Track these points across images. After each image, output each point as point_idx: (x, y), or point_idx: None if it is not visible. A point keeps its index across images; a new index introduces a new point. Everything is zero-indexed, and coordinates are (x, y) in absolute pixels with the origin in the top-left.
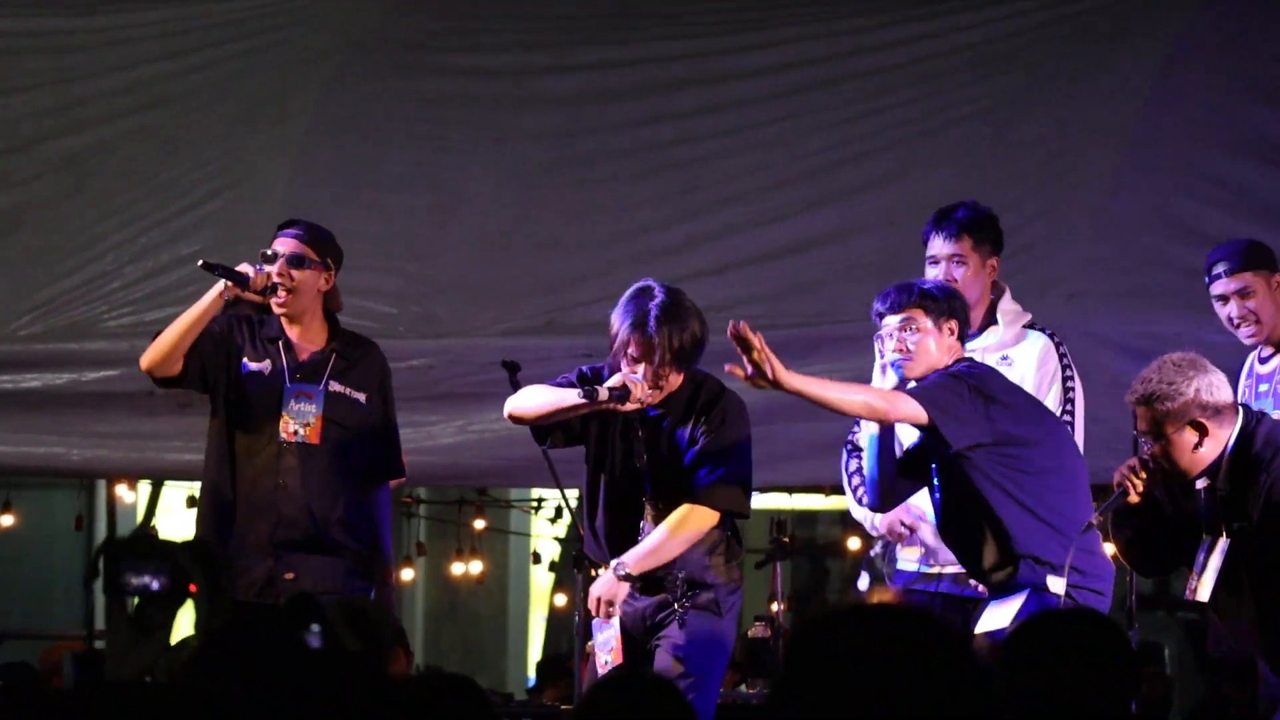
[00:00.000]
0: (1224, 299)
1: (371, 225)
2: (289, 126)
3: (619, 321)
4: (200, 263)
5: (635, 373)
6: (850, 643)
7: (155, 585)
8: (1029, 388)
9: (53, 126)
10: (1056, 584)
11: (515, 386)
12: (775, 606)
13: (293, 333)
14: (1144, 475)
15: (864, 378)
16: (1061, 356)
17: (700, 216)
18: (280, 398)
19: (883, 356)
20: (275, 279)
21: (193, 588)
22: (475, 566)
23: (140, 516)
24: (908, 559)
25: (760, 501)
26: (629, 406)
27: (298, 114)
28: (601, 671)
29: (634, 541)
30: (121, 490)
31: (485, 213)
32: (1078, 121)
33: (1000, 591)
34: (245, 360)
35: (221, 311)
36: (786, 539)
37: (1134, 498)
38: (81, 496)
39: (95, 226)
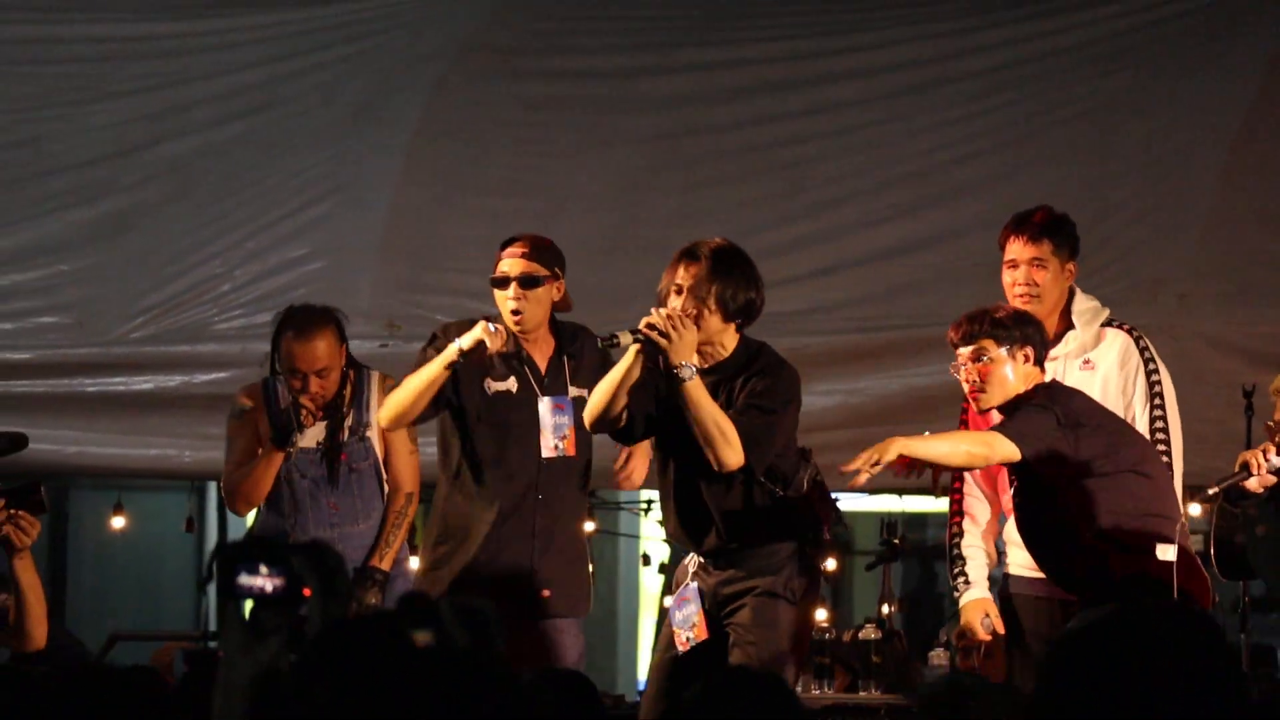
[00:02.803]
0: None
1: (477, 229)
2: (394, 131)
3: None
4: (453, 353)
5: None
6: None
7: (269, 588)
8: (1113, 389)
9: (160, 131)
10: (1166, 551)
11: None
12: (886, 609)
13: (528, 347)
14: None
15: None
16: (1142, 351)
17: (805, 218)
18: (534, 414)
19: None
20: (511, 305)
21: (307, 591)
22: None
23: (251, 519)
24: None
25: (871, 504)
26: (491, 349)
27: (403, 118)
28: (683, 649)
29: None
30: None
31: (590, 216)
32: (1184, 121)
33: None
34: (488, 380)
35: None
36: (897, 541)
37: (1257, 481)
38: (192, 498)
39: (203, 230)
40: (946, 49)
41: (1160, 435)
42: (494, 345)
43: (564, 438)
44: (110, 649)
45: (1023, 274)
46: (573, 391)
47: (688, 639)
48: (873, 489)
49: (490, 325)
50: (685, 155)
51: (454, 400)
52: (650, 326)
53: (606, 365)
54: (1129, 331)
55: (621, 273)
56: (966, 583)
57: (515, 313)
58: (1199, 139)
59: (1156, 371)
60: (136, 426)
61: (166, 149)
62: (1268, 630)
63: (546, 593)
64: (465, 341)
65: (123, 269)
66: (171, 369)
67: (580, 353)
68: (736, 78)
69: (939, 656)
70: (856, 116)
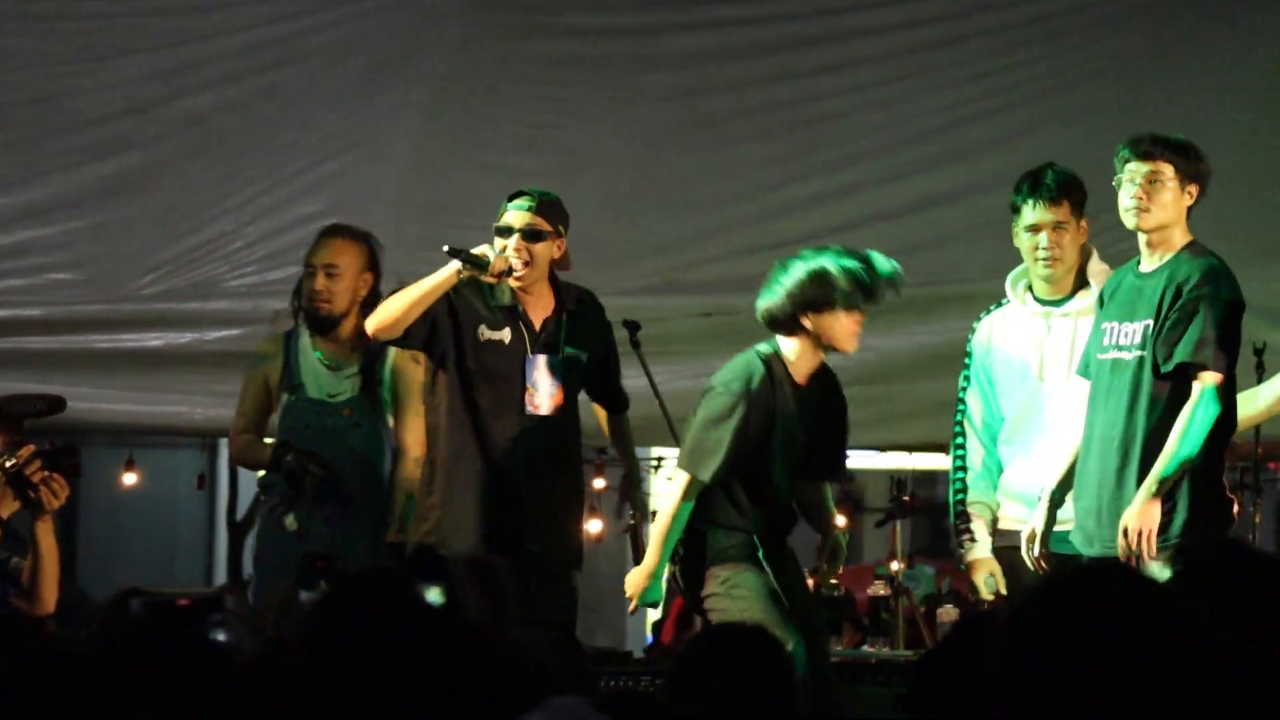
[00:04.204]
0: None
1: (496, 186)
2: (414, 87)
3: None
4: (445, 248)
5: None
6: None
7: None
8: None
9: (176, 87)
10: None
11: (635, 345)
12: (895, 565)
13: (525, 301)
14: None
15: None
16: None
17: (823, 175)
18: (522, 369)
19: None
20: (512, 257)
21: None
22: (594, 525)
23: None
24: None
25: (880, 461)
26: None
27: (423, 74)
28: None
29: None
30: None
31: (609, 173)
32: (1206, 78)
33: None
34: (483, 327)
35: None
36: (907, 498)
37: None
38: (204, 455)
39: (218, 186)
40: (966, 5)
41: None
42: (497, 266)
43: (550, 395)
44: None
45: (1045, 239)
46: (566, 352)
47: None
48: (882, 446)
49: (497, 250)
50: (704, 112)
51: (448, 343)
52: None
53: (605, 331)
54: None
55: (638, 230)
56: (972, 540)
57: (515, 266)
58: (1220, 96)
59: None
60: (148, 383)
61: (183, 105)
62: None
63: (535, 547)
64: (474, 251)
65: (137, 225)
66: (183, 326)
67: (579, 315)
68: (756, 34)
69: (948, 613)
70: (875, 73)
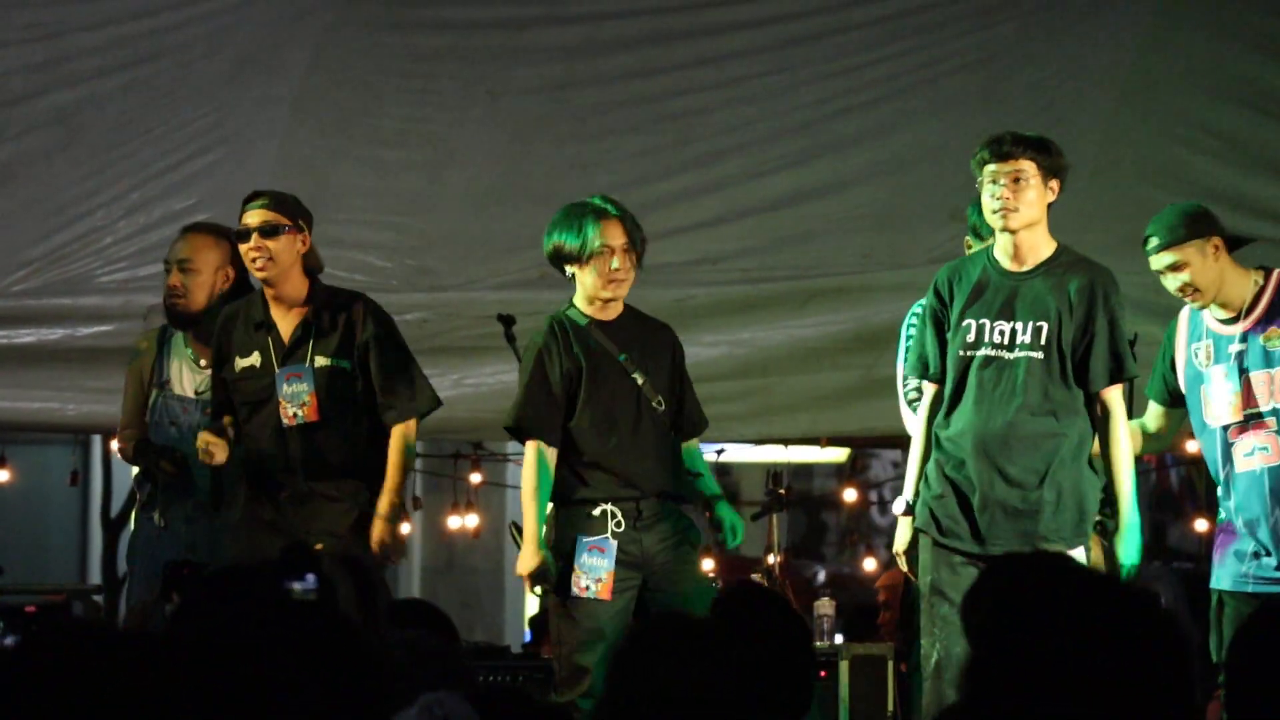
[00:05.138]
0: (1161, 273)
1: (366, 179)
2: (281, 81)
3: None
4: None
5: None
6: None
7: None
8: None
9: (43, 81)
10: None
11: (510, 340)
12: (771, 558)
13: (276, 308)
14: None
15: (858, 329)
16: None
17: (694, 169)
18: (273, 386)
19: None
20: (253, 255)
21: None
22: (471, 520)
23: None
24: None
25: (756, 454)
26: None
27: (290, 68)
28: (579, 593)
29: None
30: (116, 446)
31: (479, 166)
32: (1071, 70)
33: None
34: (237, 359)
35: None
36: (783, 491)
37: None
38: (77, 452)
39: (87, 182)
40: (834, 0)
41: None
42: (219, 457)
43: (303, 405)
44: None
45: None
46: (319, 362)
47: (587, 587)
48: (758, 439)
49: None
50: (574, 106)
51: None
52: None
53: (376, 331)
54: None
55: (510, 223)
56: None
57: (257, 263)
58: (1086, 89)
59: None
60: (19, 380)
61: (50, 99)
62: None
63: (319, 546)
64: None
65: (5, 221)
66: (54, 322)
67: (333, 321)
68: (625, 28)
69: (824, 606)
70: (744, 68)
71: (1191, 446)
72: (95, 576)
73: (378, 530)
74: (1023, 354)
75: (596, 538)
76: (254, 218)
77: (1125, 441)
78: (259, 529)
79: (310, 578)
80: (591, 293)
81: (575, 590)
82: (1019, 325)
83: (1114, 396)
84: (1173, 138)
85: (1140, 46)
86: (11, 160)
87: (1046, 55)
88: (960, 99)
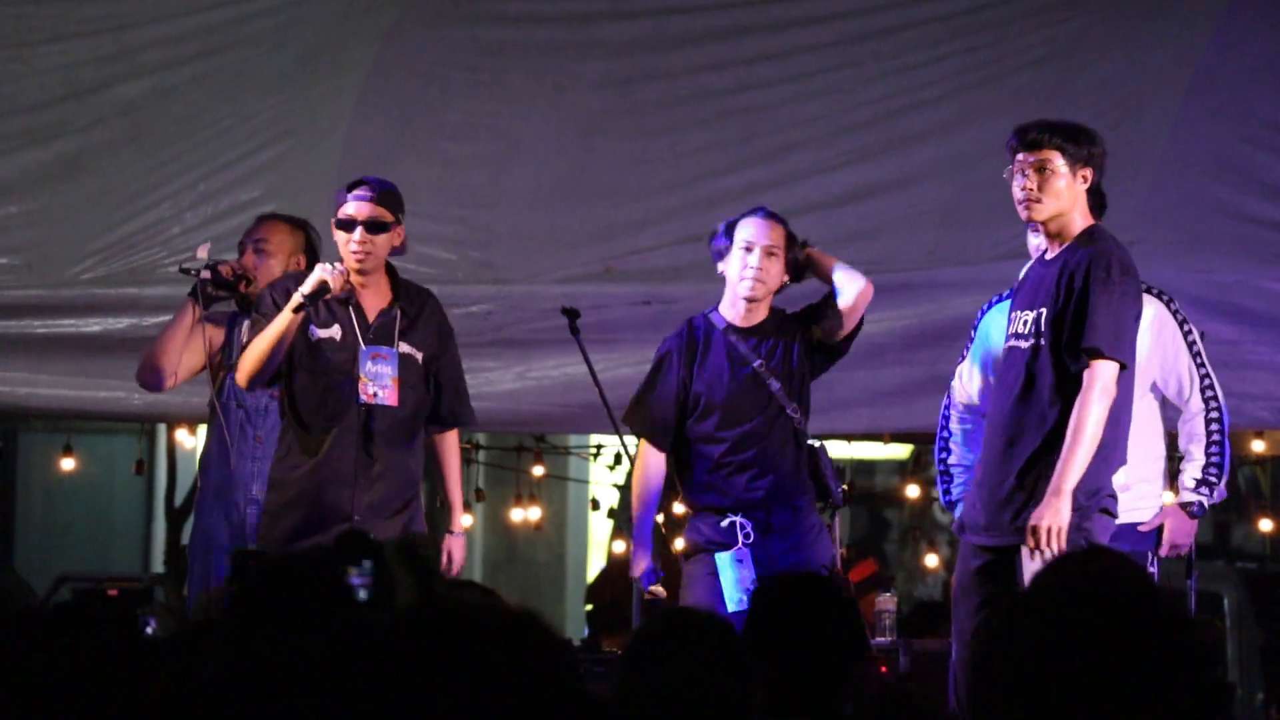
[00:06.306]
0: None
1: (431, 173)
2: (348, 74)
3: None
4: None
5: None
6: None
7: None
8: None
9: (111, 73)
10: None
11: (574, 333)
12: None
13: (361, 293)
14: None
15: (922, 325)
16: (1175, 314)
17: (759, 164)
18: (355, 361)
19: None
20: (354, 247)
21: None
22: (534, 513)
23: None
24: None
25: None
26: (334, 290)
27: (357, 61)
28: (735, 608)
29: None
30: (182, 435)
31: (544, 160)
32: (1137, 68)
33: None
34: (313, 326)
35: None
36: (845, 487)
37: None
38: (142, 441)
39: (154, 173)
40: None
41: (1213, 402)
42: (336, 286)
43: (385, 386)
44: (57, 590)
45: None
46: (402, 348)
47: (740, 599)
48: (821, 436)
49: (329, 266)
50: (639, 101)
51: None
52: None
53: (444, 331)
54: (1159, 296)
55: (574, 217)
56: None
57: (356, 255)
58: (1152, 87)
59: (1192, 333)
60: (85, 368)
61: (118, 91)
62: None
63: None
64: (306, 287)
65: (73, 211)
66: (120, 311)
67: (417, 313)
68: (691, 23)
69: (887, 602)
70: (809, 63)
71: (1257, 446)
72: (158, 566)
73: (458, 549)
74: (1029, 342)
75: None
76: (361, 210)
77: (1079, 413)
78: (314, 505)
79: (368, 565)
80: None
81: (732, 606)
82: (1032, 314)
83: (1089, 371)
84: (1240, 136)
85: (1207, 44)
86: (80, 151)
87: (1112, 52)
88: (1026, 96)
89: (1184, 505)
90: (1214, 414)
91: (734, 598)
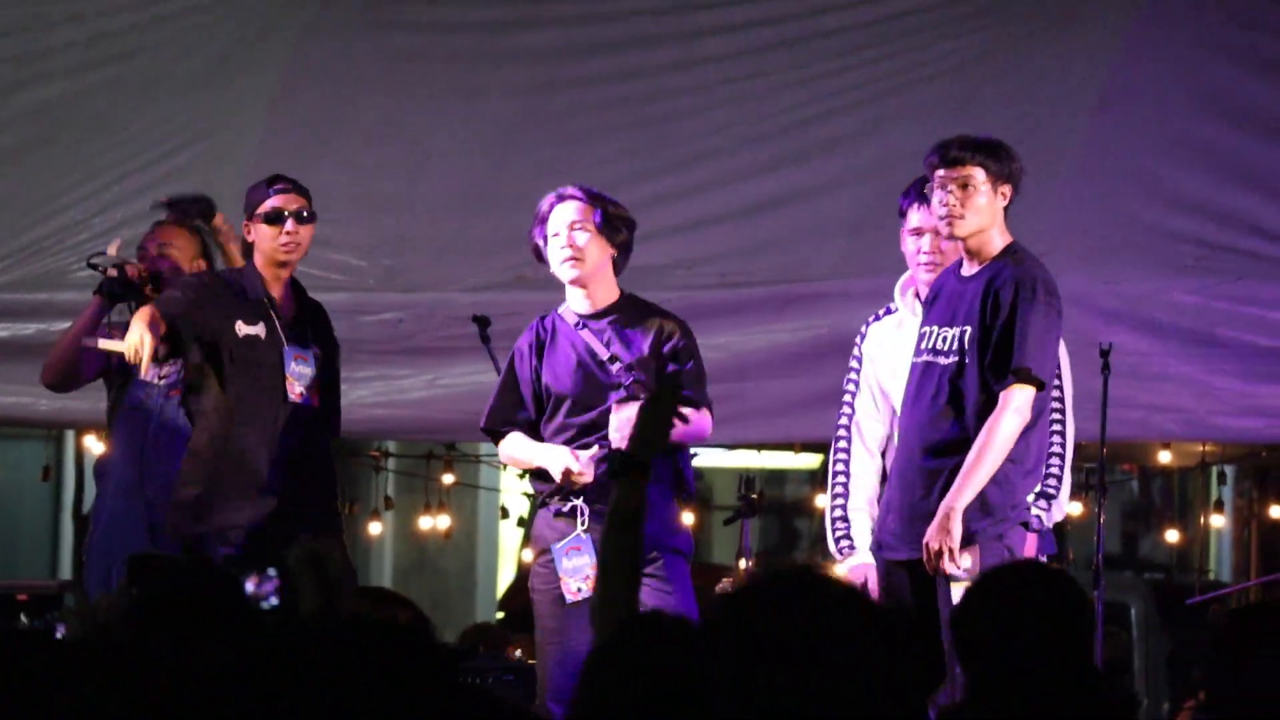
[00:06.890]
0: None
1: (343, 179)
2: (260, 79)
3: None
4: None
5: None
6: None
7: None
8: None
9: (20, 77)
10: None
11: (485, 341)
12: (744, 563)
13: (274, 290)
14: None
15: (835, 335)
16: None
17: (671, 173)
18: (281, 360)
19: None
20: (285, 239)
21: None
22: (443, 521)
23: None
24: None
25: (729, 459)
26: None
27: (269, 67)
28: (573, 599)
29: None
30: (90, 441)
31: (457, 167)
32: (1048, 79)
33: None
34: (239, 322)
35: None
36: (755, 496)
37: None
38: (49, 447)
39: (64, 178)
40: (812, 4)
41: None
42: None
43: (309, 386)
44: None
45: (928, 242)
46: (314, 349)
47: (579, 589)
48: (733, 444)
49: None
50: (552, 108)
51: (204, 340)
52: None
53: (332, 336)
54: None
55: (486, 225)
56: (851, 547)
57: (286, 247)
58: (1062, 97)
59: None
60: None
61: (28, 95)
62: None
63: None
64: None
65: None
66: (28, 317)
67: (314, 314)
68: (603, 32)
69: None
70: (722, 72)
71: (1163, 457)
72: (66, 572)
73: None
74: (949, 360)
75: (569, 539)
76: (290, 202)
77: (991, 432)
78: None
79: (272, 573)
80: None
81: (570, 598)
82: (954, 331)
83: (1005, 392)
84: (1150, 148)
85: (1117, 57)
86: None
87: (1022, 63)
88: (937, 105)
89: (1022, 521)
90: (1056, 427)
91: (574, 587)
